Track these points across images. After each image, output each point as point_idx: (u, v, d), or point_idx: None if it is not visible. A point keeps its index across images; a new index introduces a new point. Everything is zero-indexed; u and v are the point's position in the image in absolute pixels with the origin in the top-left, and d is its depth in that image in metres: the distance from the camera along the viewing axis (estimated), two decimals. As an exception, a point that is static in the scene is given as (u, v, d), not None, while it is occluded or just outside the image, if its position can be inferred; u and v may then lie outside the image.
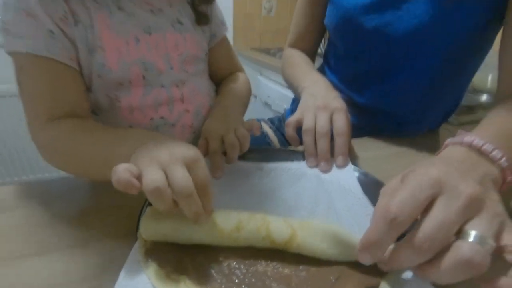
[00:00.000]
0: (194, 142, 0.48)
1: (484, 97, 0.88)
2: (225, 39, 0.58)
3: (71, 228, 0.31)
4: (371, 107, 0.59)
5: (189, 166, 0.25)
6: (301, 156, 0.44)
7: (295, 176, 0.40)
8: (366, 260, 0.23)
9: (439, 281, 0.22)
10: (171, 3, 0.46)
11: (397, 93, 0.56)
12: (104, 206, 0.34)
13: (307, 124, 0.44)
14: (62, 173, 0.38)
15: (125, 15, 0.41)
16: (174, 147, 0.27)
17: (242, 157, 0.42)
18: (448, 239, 0.21)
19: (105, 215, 0.33)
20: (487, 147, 0.27)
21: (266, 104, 1.55)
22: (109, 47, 0.39)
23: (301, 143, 0.45)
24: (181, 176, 0.24)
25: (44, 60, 0.35)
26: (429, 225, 0.21)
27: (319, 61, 0.73)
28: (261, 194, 0.36)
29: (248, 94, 0.60)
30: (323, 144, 0.41)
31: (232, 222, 0.27)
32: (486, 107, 0.82)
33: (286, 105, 1.29)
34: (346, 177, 0.39)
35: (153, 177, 0.23)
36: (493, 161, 0.27)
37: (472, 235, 0.21)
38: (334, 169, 0.41)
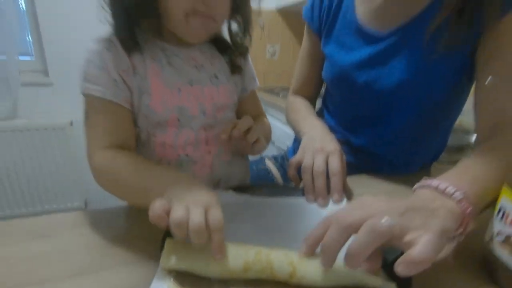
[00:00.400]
0: (210, 179, 0.55)
1: (473, 137, 0.94)
2: (254, 92, 0.64)
3: (104, 253, 0.36)
4: (365, 148, 0.65)
5: (207, 209, 0.31)
6: (301, 192, 0.49)
7: (296, 210, 0.45)
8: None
9: (357, 253, 0.27)
10: (212, 61, 0.54)
11: (388, 137, 0.62)
12: (134, 235, 0.40)
13: (305, 164, 0.50)
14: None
15: (174, 70, 0.50)
16: (199, 194, 0.33)
17: (251, 192, 0.48)
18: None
19: (135, 242, 0.38)
20: (441, 185, 0.33)
21: (270, 141, 1.63)
22: (155, 94, 0.48)
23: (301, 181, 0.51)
24: (198, 216, 0.30)
25: (109, 102, 0.45)
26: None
27: (320, 101, 0.81)
28: (264, 226, 0.41)
29: (269, 134, 0.65)
30: (319, 182, 0.47)
31: (239, 264, 0.31)
32: (473, 145, 0.88)
33: (289, 142, 1.36)
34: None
35: (178, 213, 0.30)
36: (448, 195, 0.32)
37: (384, 218, 0.27)
38: (331, 204, 0.47)
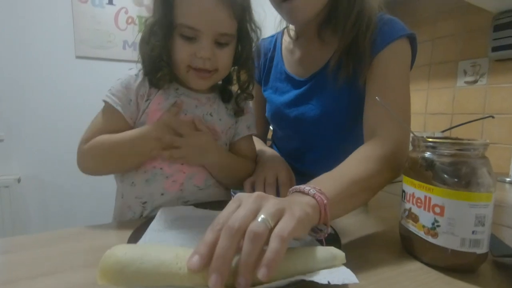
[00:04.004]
0: (179, 198, 0.59)
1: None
2: (248, 138, 0.69)
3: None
4: (308, 171, 0.75)
5: None
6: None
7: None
8: (195, 263, 0.28)
9: (248, 261, 0.28)
10: (211, 104, 0.62)
11: (322, 160, 0.73)
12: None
13: (257, 180, 0.58)
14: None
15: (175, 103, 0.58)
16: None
17: (211, 207, 0.53)
18: (247, 222, 0.29)
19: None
20: (301, 187, 0.39)
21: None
22: (151, 115, 0.57)
23: None
24: None
25: (117, 112, 0.56)
26: (234, 215, 0.30)
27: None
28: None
29: (233, 170, 0.65)
30: (270, 191, 0.55)
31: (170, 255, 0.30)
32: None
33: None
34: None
35: None
36: (306, 193, 0.38)
37: (259, 217, 0.30)
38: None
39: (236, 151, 0.67)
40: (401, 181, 0.43)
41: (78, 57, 1.97)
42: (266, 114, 0.82)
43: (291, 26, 0.77)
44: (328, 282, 0.29)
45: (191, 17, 0.52)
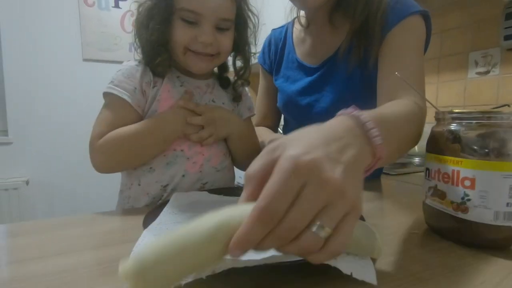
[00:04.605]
0: (198, 180, 0.60)
1: (415, 159, 1.08)
2: (248, 120, 0.71)
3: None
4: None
5: None
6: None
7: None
8: (238, 254, 0.23)
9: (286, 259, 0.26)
10: (212, 91, 0.64)
11: None
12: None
13: None
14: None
15: (182, 89, 0.60)
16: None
17: (224, 193, 0.52)
18: (305, 225, 0.23)
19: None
20: (369, 124, 0.30)
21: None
22: (163, 103, 0.58)
23: None
24: None
25: (123, 101, 0.55)
26: (293, 216, 0.22)
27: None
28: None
29: (254, 141, 0.69)
30: None
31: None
32: (415, 164, 1.02)
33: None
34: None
35: None
36: (370, 138, 0.29)
37: (317, 226, 0.23)
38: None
39: None
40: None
41: (85, 59, 1.98)
42: (278, 104, 0.81)
43: (302, 14, 0.77)
44: (351, 273, 0.26)
45: (193, 1, 0.52)
